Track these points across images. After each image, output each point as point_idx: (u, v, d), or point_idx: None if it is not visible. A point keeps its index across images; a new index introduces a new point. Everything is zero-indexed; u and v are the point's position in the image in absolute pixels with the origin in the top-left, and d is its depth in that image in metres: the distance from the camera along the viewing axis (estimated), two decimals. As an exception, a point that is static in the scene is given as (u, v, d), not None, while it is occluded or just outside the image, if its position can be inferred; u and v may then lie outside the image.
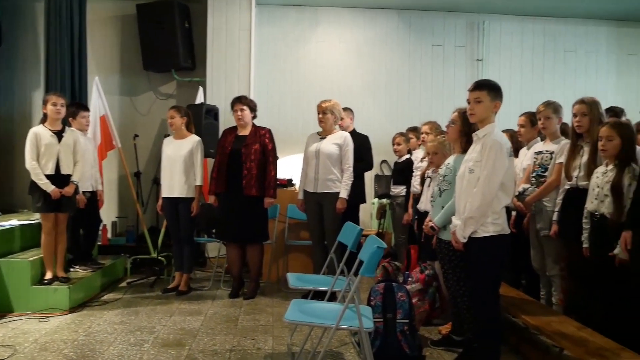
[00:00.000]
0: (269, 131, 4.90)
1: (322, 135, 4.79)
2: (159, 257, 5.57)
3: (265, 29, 6.82)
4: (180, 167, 4.86)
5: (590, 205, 3.26)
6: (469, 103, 3.04)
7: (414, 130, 5.53)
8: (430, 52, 6.96)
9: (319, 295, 3.57)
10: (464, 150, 3.25)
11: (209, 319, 4.20)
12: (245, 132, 4.85)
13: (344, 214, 4.68)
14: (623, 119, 4.04)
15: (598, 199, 3.18)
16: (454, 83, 6.82)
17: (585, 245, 3.32)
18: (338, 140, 4.73)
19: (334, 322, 2.67)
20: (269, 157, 4.80)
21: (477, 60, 6.92)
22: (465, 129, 3.30)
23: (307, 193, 4.79)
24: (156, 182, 6.05)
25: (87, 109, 5.12)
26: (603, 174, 3.18)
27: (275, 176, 4.87)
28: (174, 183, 4.88)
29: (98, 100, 5.70)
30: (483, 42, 6.91)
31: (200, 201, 4.98)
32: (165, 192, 4.94)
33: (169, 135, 5.26)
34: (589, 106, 3.52)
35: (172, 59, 6.37)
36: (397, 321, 3.47)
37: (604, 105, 4.45)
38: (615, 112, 4.06)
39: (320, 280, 3.69)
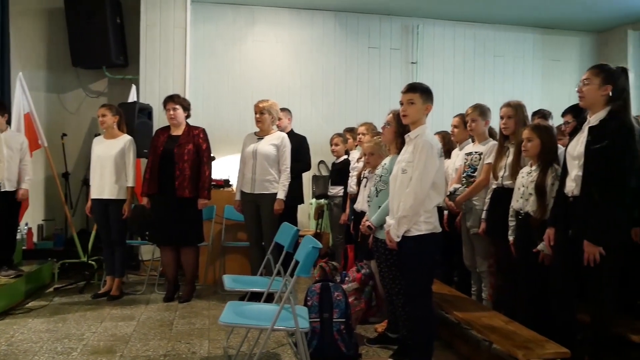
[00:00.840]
0: (203, 131, 4.81)
1: (260, 136, 4.75)
2: (90, 261, 5.34)
3: (201, 27, 6.69)
4: (111, 168, 4.69)
5: (515, 203, 3.41)
6: (402, 105, 3.11)
7: (351, 131, 5.59)
8: (367, 54, 7.06)
9: (256, 297, 3.54)
10: (399, 151, 3.32)
11: (142, 324, 4.07)
12: (179, 132, 4.73)
13: (282, 214, 4.66)
14: (550, 121, 4.25)
15: (523, 197, 3.32)
16: (390, 85, 6.95)
17: (511, 242, 3.46)
18: (275, 141, 4.70)
19: (270, 324, 2.64)
20: (203, 157, 4.71)
21: (412, 63, 7.09)
22: (399, 130, 3.37)
23: (244, 194, 4.74)
24: (86, 183, 5.81)
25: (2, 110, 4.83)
26: (528, 174, 3.33)
27: (210, 177, 4.78)
28: (104, 184, 4.70)
29: (22, 97, 5.42)
30: (417, 46, 7.08)
31: (132, 203, 4.82)
32: (95, 194, 4.75)
33: (99, 135, 5.07)
34: (514, 109, 3.69)
35: (103, 55, 6.12)
36: (333, 321, 3.50)
37: (531, 109, 4.68)
38: (544, 114, 4.26)
39: (257, 282, 3.66)
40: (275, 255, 3.75)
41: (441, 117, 5.83)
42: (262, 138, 4.72)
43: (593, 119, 2.92)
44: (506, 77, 7.39)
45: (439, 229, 3.07)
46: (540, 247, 3.17)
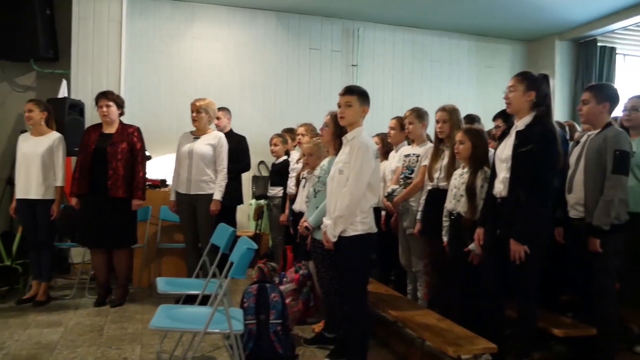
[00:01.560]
0: (138, 129, 4.66)
1: (196, 135, 4.65)
2: (14, 265, 5.05)
3: (138, 22, 6.49)
4: (38, 166, 4.46)
5: (449, 204, 3.51)
6: (339, 107, 3.13)
7: (290, 131, 5.58)
8: (308, 55, 7.08)
9: (193, 300, 3.46)
10: (337, 152, 3.34)
11: (70, 330, 3.90)
12: (112, 129, 4.57)
13: (220, 215, 4.59)
14: (478, 125, 4.40)
15: (455, 198, 3.43)
16: (331, 86, 6.98)
17: (444, 241, 3.55)
18: (212, 141, 4.61)
19: (203, 327, 2.59)
20: (137, 156, 4.56)
21: (352, 65, 7.16)
22: (337, 132, 3.39)
23: (180, 194, 4.63)
24: (10, 182, 5.51)
25: None
26: (460, 176, 3.44)
27: (144, 177, 4.64)
28: (31, 183, 4.47)
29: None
30: (358, 49, 7.16)
31: (62, 203, 4.61)
32: (20, 194, 4.50)
33: (26, 131, 4.81)
34: (449, 113, 3.81)
35: (30, 48, 5.82)
36: (270, 322, 3.47)
37: (466, 113, 4.83)
38: (472, 118, 4.40)
39: (192, 284, 3.58)
40: (211, 257, 3.68)
41: (380, 119, 5.93)
42: (199, 137, 4.63)
43: (520, 124, 3.05)
44: (443, 82, 7.59)
45: (375, 230, 3.11)
46: (470, 246, 3.28)
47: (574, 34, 7.43)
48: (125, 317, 4.29)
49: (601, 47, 7.54)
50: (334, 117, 3.41)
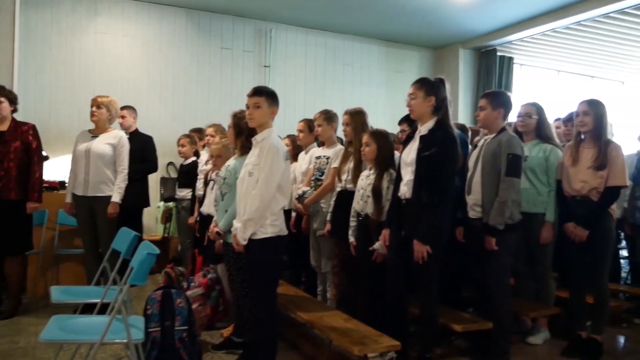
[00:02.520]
0: (33, 127, 4.34)
1: (94, 134, 4.39)
2: None
3: (34, 13, 6.08)
4: None
5: (356, 205, 3.57)
6: (247, 108, 3.10)
7: (198, 131, 5.45)
8: (220, 55, 6.95)
9: (92, 309, 3.26)
10: (243, 152, 3.30)
11: (-49, 347, 3.56)
12: (3, 127, 4.22)
13: (124, 219, 4.37)
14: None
15: (362, 199, 3.49)
16: (243, 87, 6.87)
17: (351, 240, 3.61)
18: (112, 140, 4.37)
19: (99, 337, 2.45)
20: (33, 156, 4.25)
21: (265, 66, 7.12)
22: (237, 131, 3.36)
23: (77, 197, 4.35)
24: None
25: None
26: (367, 177, 3.51)
27: (41, 178, 4.33)
28: None
29: None
30: (270, 50, 7.14)
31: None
32: None
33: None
34: (351, 116, 3.88)
35: None
36: (175, 329, 3.34)
37: (376, 116, 4.95)
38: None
39: (91, 292, 3.38)
40: (112, 263, 3.50)
41: (293, 120, 5.87)
42: (97, 136, 4.37)
43: (423, 129, 3.16)
44: (354, 85, 7.74)
45: (285, 232, 3.09)
46: (375, 246, 3.35)
47: (475, 43, 7.85)
48: (17, 329, 3.98)
49: (500, 56, 8.03)
50: (234, 116, 3.38)
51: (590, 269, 3.59)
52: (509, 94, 3.69)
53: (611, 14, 6.31)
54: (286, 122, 6.61)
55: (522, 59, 8.56)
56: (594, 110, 3.54)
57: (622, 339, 4.19)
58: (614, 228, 3.63)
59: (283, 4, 6.47)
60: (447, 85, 3.25)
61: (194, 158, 5.31)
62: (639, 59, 8.41)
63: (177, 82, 6.77)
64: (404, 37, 7.82)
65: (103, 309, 3.10)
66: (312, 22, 7.18)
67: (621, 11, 6.18)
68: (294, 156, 4.83)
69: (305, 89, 7.39)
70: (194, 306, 3.69)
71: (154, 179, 5.81)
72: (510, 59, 8.20)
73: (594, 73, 9.52)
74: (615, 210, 4.42)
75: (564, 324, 3.95)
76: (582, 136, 3.61)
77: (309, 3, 6.39)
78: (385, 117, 5.55)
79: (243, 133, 3.32)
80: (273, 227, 2.96)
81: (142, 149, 4.95)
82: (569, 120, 4.35)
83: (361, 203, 3.51)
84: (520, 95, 8.29)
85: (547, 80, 9.22)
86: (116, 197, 4.32)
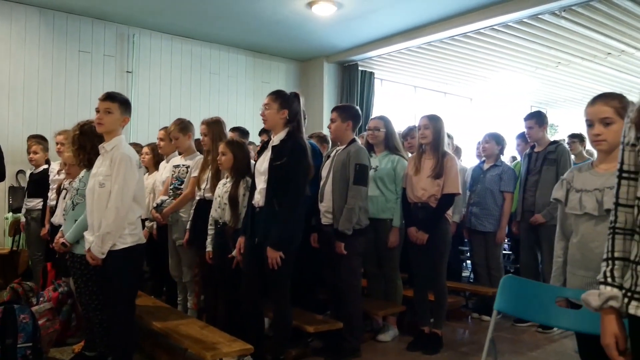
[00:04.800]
0: None
1: None
2: None
3: None
4: None
5: (214, 213, 3.63)
6: (97, 112, 3.03)
7: (40, 138, 5.14)
8: (77, 58, 6.57)
9: None
10: (88, 164, 3.22)
11: None
12: None
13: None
14: (247, 139, 4.65)
15: (220, 207, 3.56)
16: (103, 92, 6.57)
17: (208, 249, 3.66)
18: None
19: None
20: None
21: (127, 72, 6.87)
22: (80, 144, 3.26)
23: None
24: None
25: None
26: (223, 185, 3.58)
27: None
28: None
29: None
30: (133, 55, 6.90)
31: None
32: None
33: None
34: (208, 126, 3.94)
35: None
36: (18, 346, 3.17)
37: (244, 125, 5.03)
38: (242, 131, 4.61)
39: None
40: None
41: (157, 128, 5.76)
42: None
43: (275, 139, 3.30)
44: (221, 94, 7.73)
45: (144, 240, 3.08)
46: (234, 253, 3.43)
47: (339, 58, 8.24)
48: None
49: (362, 71, 8.51)
50: (80, 126, 3.29)
51: (430, 269, 3.96)
52: (356, 107, 3.97)
53: (456, 37, 6.98)
54: (150, 129, 6.48)
55: (382, 74, 9.13)
56: (433, 124, 3.93)
57: (461, 332, 4.67)
58: (450, 231, 4.03)
59: (146, 10, 6.31)
60: (302, 100, 3.42)
61: (45, 166, 5.01)
62: (484, 77, 9.36)
63: (29, 85, 6.29)
64: (271, 49, 7.99)
65: None
66: (178, 29, 7.07)
67: (464, 35, 6.87)
68: (155, 165, 4.76)
69: (171, 96, 7.24)
70: (41, 321, 3.49)
71: (1, 189, 5.38)
72: (372, 73, 8.70)
73: (447, 90, 10.42)
74: (452, 215, 4.95)
75: (410, 321, 4.31)
76: (423, 147, 3.98)
77: (173, 10, 6.30)
78: (252, 127, 5.60)
79: (84, 148, 3.22)
80: (132, 236, 2.95)
81: (-14, 156, 4.58)
82: (407, 134, 4.75)
83: (219, 211, 3.57)
84: (381, 109, 8.89)
85: (405, 95, 9.92)
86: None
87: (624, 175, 1.45)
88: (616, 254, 1.44)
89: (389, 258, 4.19)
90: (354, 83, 8.38)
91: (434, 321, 4.01)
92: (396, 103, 9.55)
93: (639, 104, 1.41)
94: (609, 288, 1.42)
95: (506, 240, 5.92)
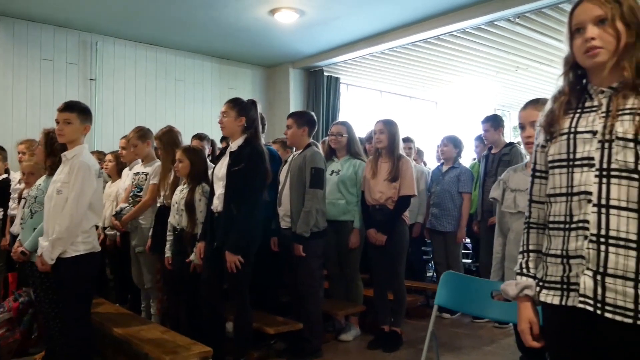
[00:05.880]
0: None
1: None
2: None
3: None
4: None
5: (172, 219, 3.67)
6: (57, 123, 3.06)
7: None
8: (39, 66, 6.51)
9: None
10: (52, 172, 3.24)
11: None
12: None
13: None
14: (206, 143, 4.71)
15: (177, 214, 3.61)
16: (66, 100, 6.52)
17: (167, 255, 3.70)
18: None
19: None
20: None
21: (91, 79, 6.83)
22: (48, 150, 3.29)
23: None
24: None
25: None
26: (180, 192, 3.63)
27: None
28: None
29: None
30: (96, 63, 6.86)
31: None
32: None
33: None
34: (159, 140, 4.01)
35: None
36: (-24, 357, 3.16)
37: (211, 133, 5.05)
38: (200, 137, 4.66)
39: None
40: None
41: (122, 136, 5.79)
42: None
43: (233, 145, 3.37)
44: (187, 101, 7.72)
45: (98, 248, 3.10)
46: (191, 257, 3.48)
47: (304, 64, 8.33)
48: None
49: (328, 76, 8.61)
50: (46, 134, 3.31)
51: (389, 269, 4.07)
52: (312, 113, 4.06)
53: (418, 43, 7.13)
54: (114, 137, 6.43)
55: (348, 80, 9.25)
56: (388, 128, 4.04)
57: (421, 329, 4.77)
58: (407, 232, 4.14)
59: (110, 17, 6.29)
60: (259, 107, 3.50)
61: (5, 175, 4.97)
62: (448, 82, 9.56)
63: (-12, 93, 6.21)
64: (236, 55, 8.03)
65: None
66: (142, 36, 7.06)
67: (425, 40, 7.04)
68: (118, 172, 4.77)
69: (136, 103, 7.22)
70: (0, 332, 3.49)
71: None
72: (337, 79, 8.81)
73: (412, 94, 10.60)
74: (416, 215, 5.08)
75: (372, 320, 4.40)
76: (380, 151, 4.09)
77: (137, 17, 6.30)
78: (219, 133, 5.61)
79: (56, 154, 3.24)
80: (85, 244, 2.96)
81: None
82: (368, 140, 4.86)
83: (176, 217, 3.62)
84: (348, 114, 9.01)
85: (371, 99, 10.07)
86: None
87: (537, 174, 1.57)
88: (530, 247, 1.56)
89: (349, 259, 4.28)
90: (320, 88, 8.47)
91: (394, 319, 4.11)
92: (362, 108, 9.68)
93: (547, 111, 1.52)
94: (524, 278, 1.54)
95: (468, 240, 6.09)
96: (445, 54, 7.70)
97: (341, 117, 8.66)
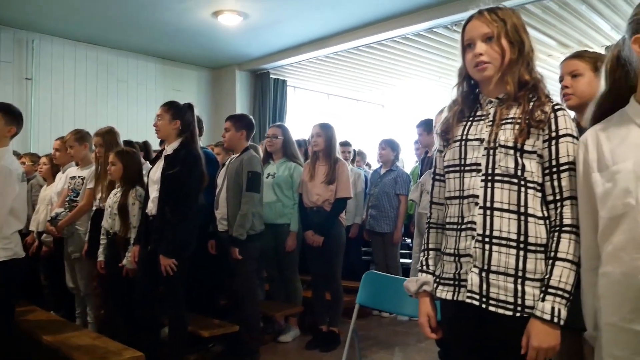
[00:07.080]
0: None
1: None
2: None
3: None
4: None
5: (105, 223, 3.64)
6: None
7: None
8: (-30, 64, 6.29)
9: None
10: None
11: None
12: None
13: None
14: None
15: (111, 217, 3.58)
16: (1, 99, 6.32)
17: (100, 259, 3.66)
18: None
19: None
20: None
21: (27, 79, 6.62)
22: None
23: None
24: None
25: None
26: (114, 195, 3.60)
27: None
28: None
29: None
30: (33, 61, 6.65)
31: None
32: None
33: None
34: (101, 137, 3.94)
35: None
36: None
37: (153, 134, 4.98)
38: (131, 143, 4.62)
39: None
40: None
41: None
42: None
43: (168, 149, 3.37)
44: (130, 103, 7.58)
45: (22, 254, 3.02)
46: (124, 262, 3.46)
47: (250, 66, 8.34)
48: None
49: (274, 79, 8.64)
50: None
51: (326, 269, 4.15)
52: (250, 116, 4.10)
53: (361, 47, 7.28)
54: (52, 139, 6.23)
55: (295, 82, 9.31)
56: (325, 132, 4.13)
57: (360, 329, 4.87)
58: (343, 234, 4.23)
59: (47, 15, 6.11)
60: (195, 110, 3.51)
61: None
62: (393, 85, 9.76)
63: None
64: (181, 56, 7.95)
65: None
66: (82, 35, 6.89)
67: (368, 45, 7.18)
68: (52, 175, 4.67)
69: (75, 104, 7.03)
70: None
71: None
72: (284, 81, 8.86)
73: (359, 97, 10.76)
74: (353, 217, 5.18)
75: (311, 321, 4.48)
76: (317, 154, 4.17)
77: (76, 16, 6.15)
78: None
79: None
80: (5, 250, 2.87)
81: None
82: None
83: (110, 221, 3.58)
84: (295, 117, 9.08)
85: (319, 102, 10.16)
86: None
87: (437, 177, 1.68)
88: (430, 245, 1.68)
89: (288, 261, 4.33)
90: (267, 91, 8.50)
91: (331, 319, 4.19)
92: (310, 110, 9.75)
93: (443, 119, 1.63)
94: (424, 275, 1.65)
95: (409, 240, 6.26)
96: (388, 58, 7.87)
97: (288, 119, 8.72)
